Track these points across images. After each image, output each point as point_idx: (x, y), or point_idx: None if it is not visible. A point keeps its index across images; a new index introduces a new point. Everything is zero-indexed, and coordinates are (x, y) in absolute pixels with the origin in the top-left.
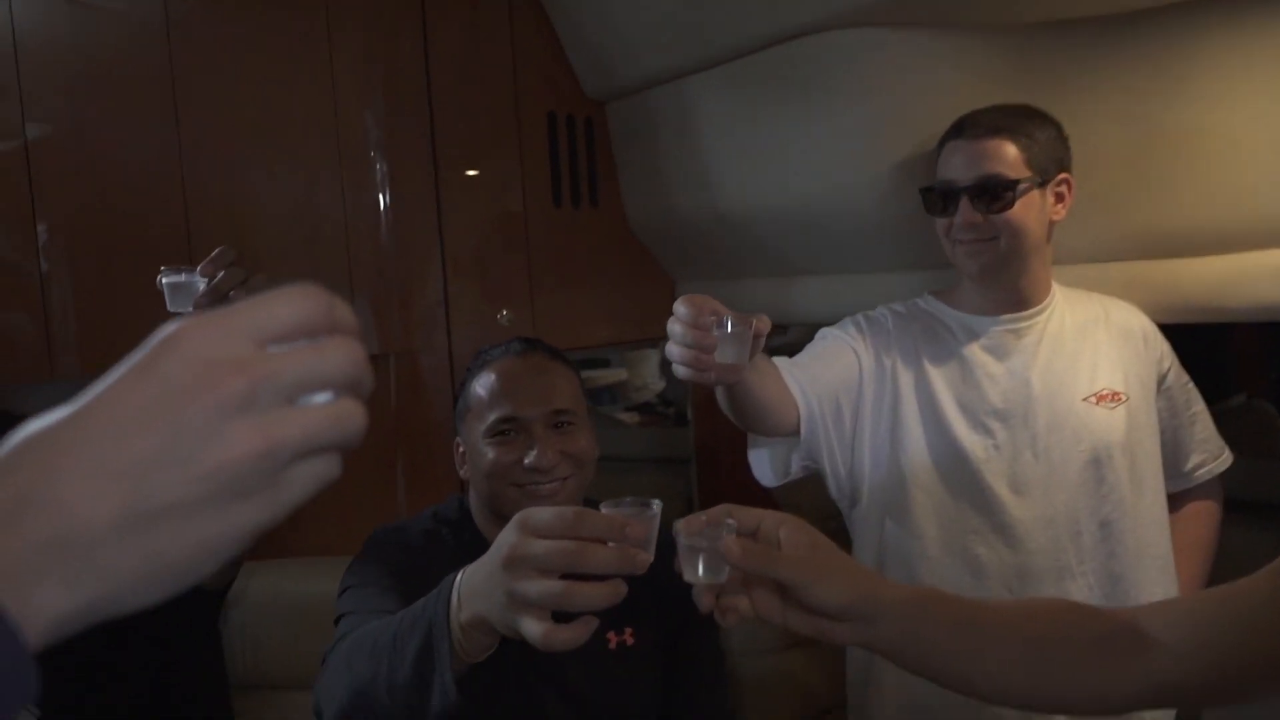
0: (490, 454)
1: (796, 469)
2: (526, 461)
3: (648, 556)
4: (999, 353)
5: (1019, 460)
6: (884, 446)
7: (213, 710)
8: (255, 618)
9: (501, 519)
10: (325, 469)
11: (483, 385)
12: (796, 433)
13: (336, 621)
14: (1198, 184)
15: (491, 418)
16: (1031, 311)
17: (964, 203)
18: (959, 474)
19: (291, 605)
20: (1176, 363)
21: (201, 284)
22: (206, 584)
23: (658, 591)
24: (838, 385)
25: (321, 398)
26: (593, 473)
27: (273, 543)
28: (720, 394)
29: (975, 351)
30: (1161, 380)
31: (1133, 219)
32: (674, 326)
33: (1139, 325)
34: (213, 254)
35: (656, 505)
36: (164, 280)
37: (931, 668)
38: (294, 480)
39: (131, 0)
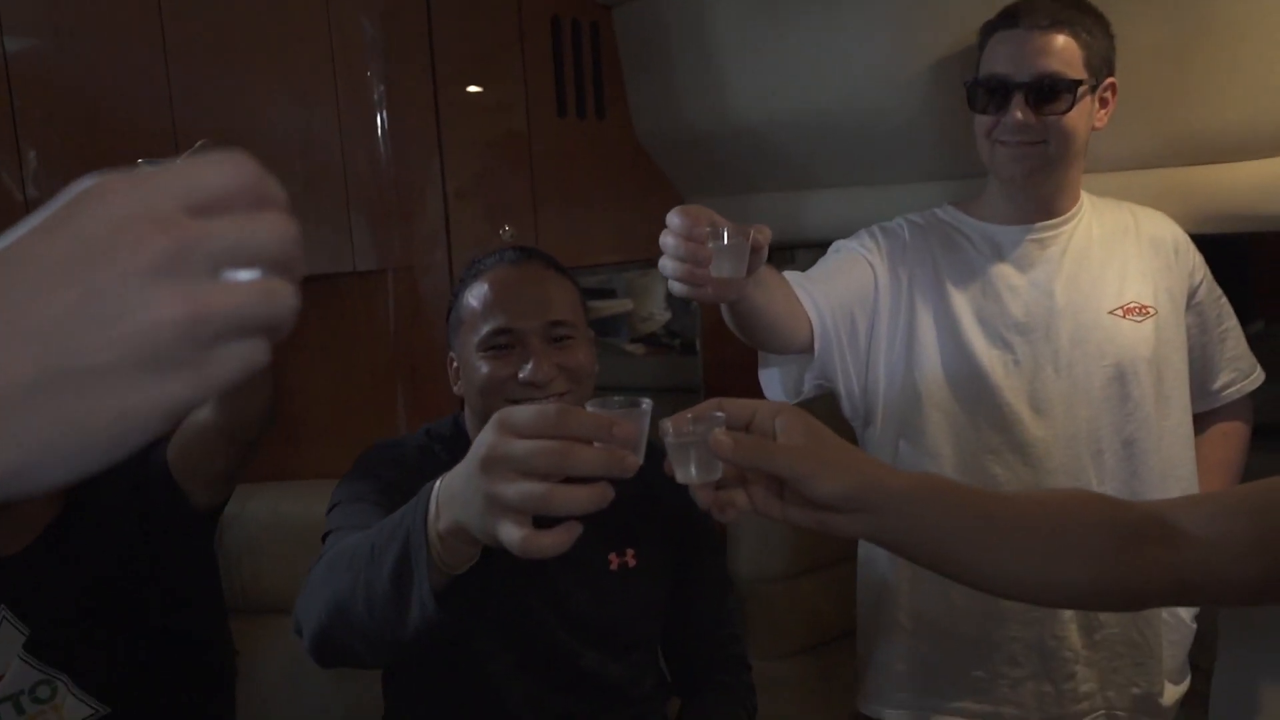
0: (484, 368)
1: (809, 388)
2: (521, 376)
3: (636, 459)
4: (1022, 264)
5: (1039, 376)
6: (899, 363)
7: (211, 634)
8: (253, 541)
9: None
10: (253, 352)
11: (475, 295)
12: (809, 350)
13: (324, 539)
14: (1242, 82)
15: (485, 329)
16: (1058, 220)
17: (1017, 100)
18: (976, 391)
19: (290, 528)
20: (1209, 275)
21: None
22: (198, 503)
23: (661, 512)
24: (852, 299)
25: (248, 275)
26: (591, 388)
27: (270, 464)
28: (725, 311)
29: (996, 263)
30: (1192, 294)
31: (1171, 122)
32: (666, 239)
33: (1170, 235)
34: (194, 147)
35: (647, 404)
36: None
37: (940, 557)
38: (220, 359)
39: None
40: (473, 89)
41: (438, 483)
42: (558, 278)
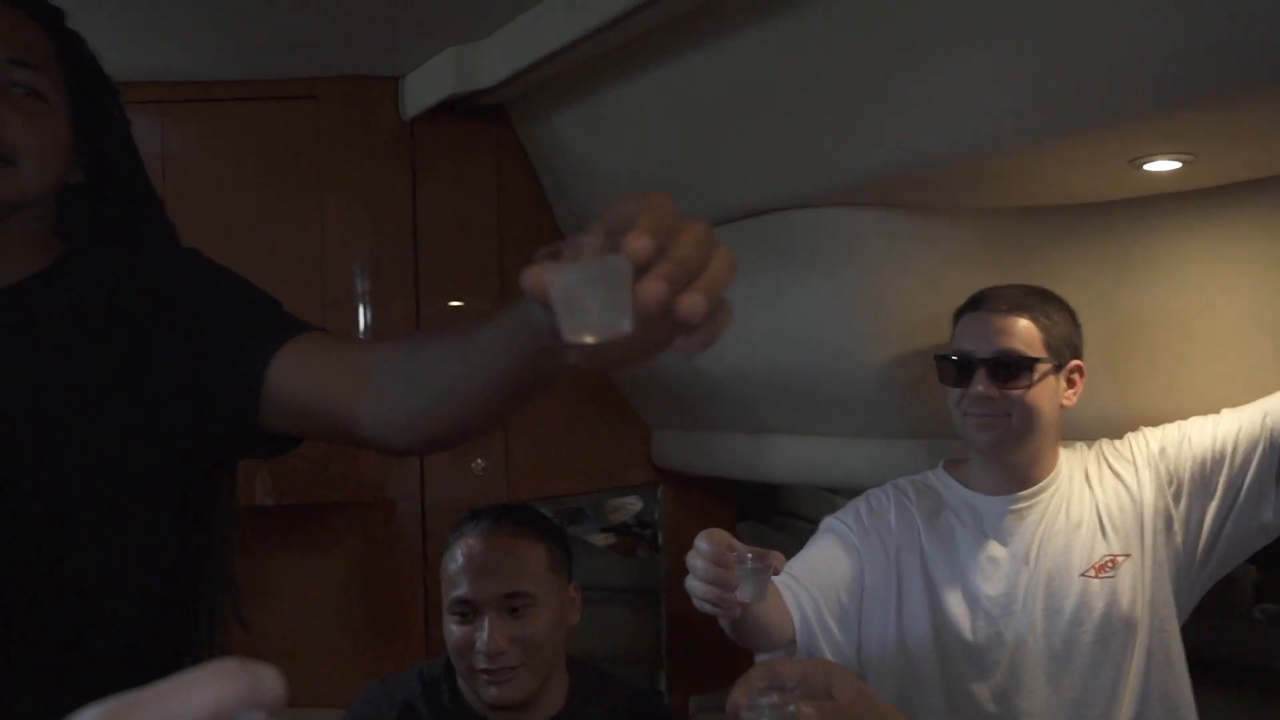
0: (453, 631)
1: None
2: (476, 646)
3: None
4: (1002, 536)
5: (1022, 649)
6: (890, 634)
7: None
8: None
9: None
10: None
11: (451, 559)
12: (793, 643)
13: None
14: (1161, 372)
15: (452, 595)
16: (1034, 490)
17: (980, 374)
18: (965, 664)
19: None
20: (1173, 438)
21: None
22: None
23: None
24: (839, 586)
25: None
26: (553, 652)
27: None
28: (724, 621)
29: (979, 535)
30: (1177, 481)
31: (1098, 403)
32: (695, 561)
33: (1134, 453)
34: None
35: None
36: None
37: None
38: None
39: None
40: (455, 303)
41: None
42: (529, 543)
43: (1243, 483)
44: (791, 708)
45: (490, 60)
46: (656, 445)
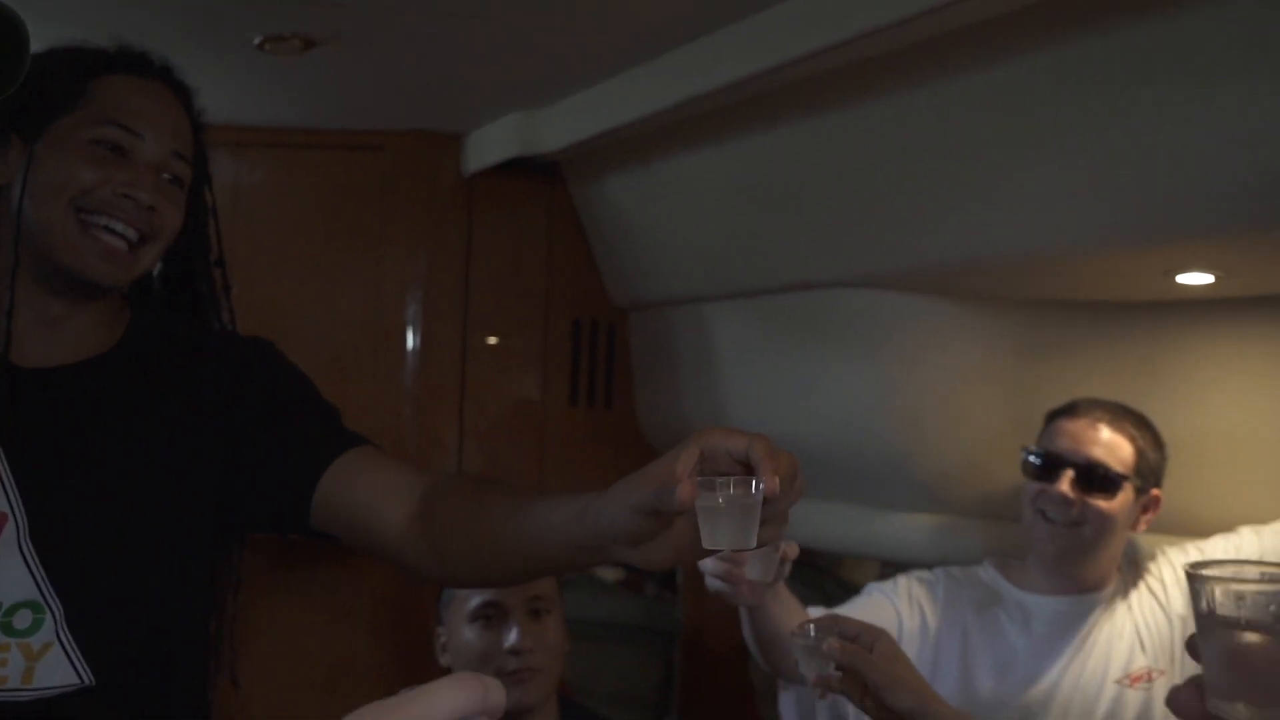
0: (472, 637)
1: None
2: (505, 645)
3: None
4: (1049, 637)
5: None
6: None
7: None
8: None
9: None
10: None
11: None
12: None
13: None
14: (1181, 480)
15: (475, 601)
16: (1091, 598)
17: (1066, 476)
18: None
19: None
20: (1195, 560)
21: None
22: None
23: None
24: None
25: None
26: (560, 668)
27: None
28: (746, 627)
29: (1024, 634)
30: None
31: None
32: None
33: (1160, 570)
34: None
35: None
36: None
37: None
38: None
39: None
40: (491, 339)
41: None
42: None
43: None
44: (826, 642)
45: (552, 127)
46: None
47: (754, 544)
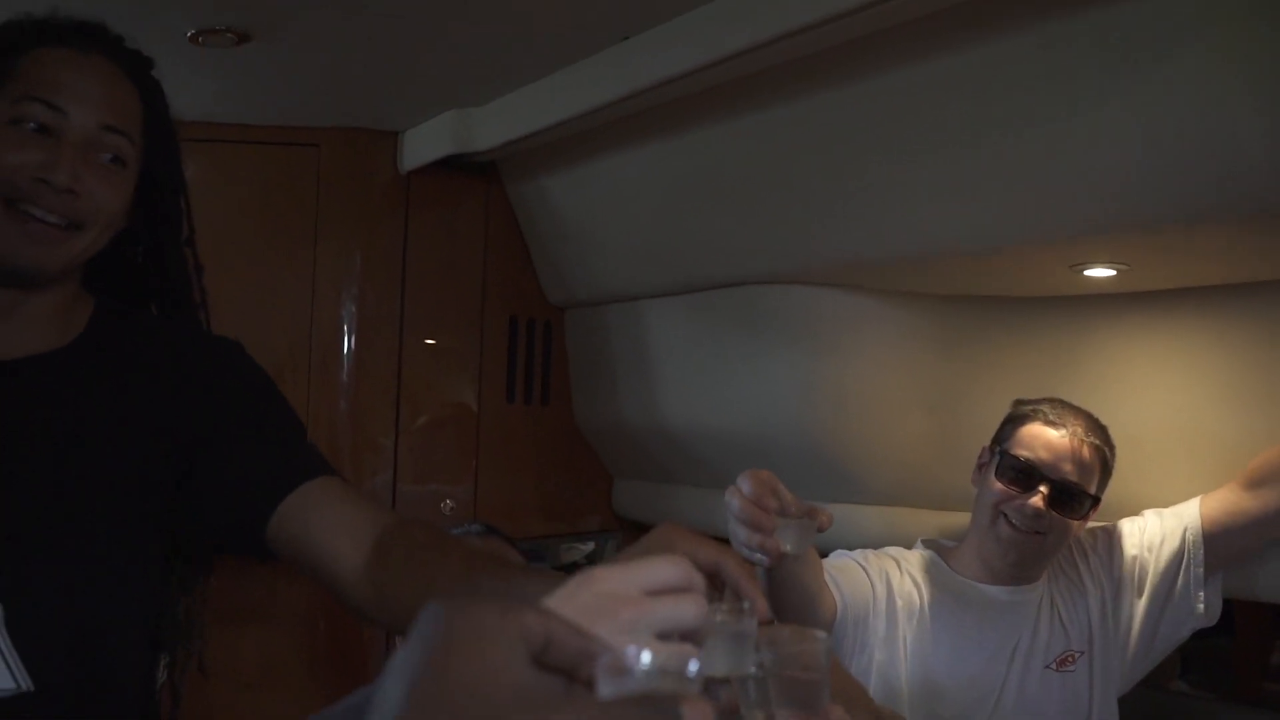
0: None
1: None
2: None
3: None
4: (988, 623)
5: None
6: (864, 678)
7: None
8: None
9: None
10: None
11: None
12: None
13: None
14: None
15: None
16: (1028, 587)
17: (1042, 492)
18: None
19: None
20: (1103, 542)
21: None
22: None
23: None
24: (860, 602)
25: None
26: None
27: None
28: (762, 579)
29: (968, 618)
30: (1112, 582)
31: None
32: (733, 501)
33: (1074, 554)
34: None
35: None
36: None
37: None
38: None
39: None
40: (430, 341)
41: None
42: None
43: (1173, 582)
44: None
45: (488, 126)
46: (617, 494)
47: (751, 668)
